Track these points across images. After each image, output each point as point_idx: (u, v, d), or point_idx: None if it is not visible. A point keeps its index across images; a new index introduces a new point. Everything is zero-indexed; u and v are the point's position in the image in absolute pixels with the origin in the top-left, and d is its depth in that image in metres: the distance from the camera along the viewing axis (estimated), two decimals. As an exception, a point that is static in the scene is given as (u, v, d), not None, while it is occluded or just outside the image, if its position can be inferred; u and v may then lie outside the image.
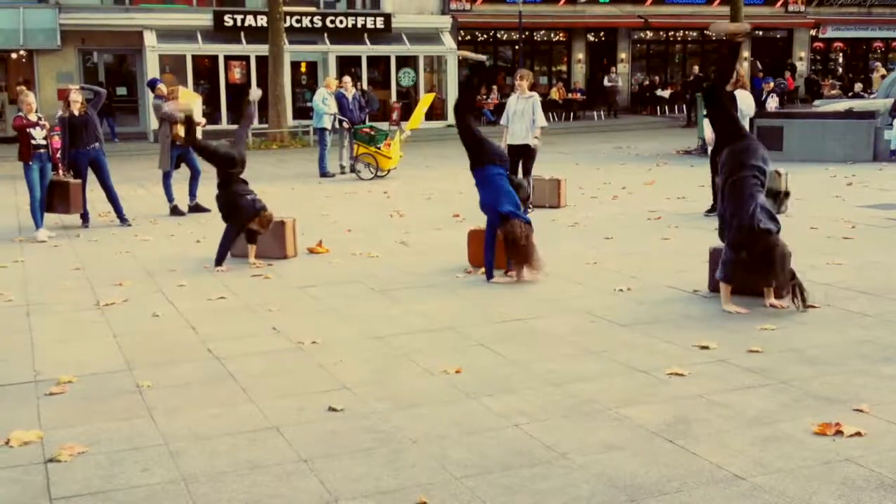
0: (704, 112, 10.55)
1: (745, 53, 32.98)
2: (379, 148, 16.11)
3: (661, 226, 10.30)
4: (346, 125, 16.97)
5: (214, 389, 5.10)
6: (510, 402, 4.74)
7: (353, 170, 16.59)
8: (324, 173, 16.89)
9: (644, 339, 5.85)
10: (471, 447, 4.17)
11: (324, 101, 17.05)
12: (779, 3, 36.23)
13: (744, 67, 27.85)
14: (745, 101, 10.53)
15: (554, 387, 4.97)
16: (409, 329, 6.24)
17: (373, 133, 16.39)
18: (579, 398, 4.78)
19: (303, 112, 27.16)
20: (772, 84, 22.31)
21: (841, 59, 39.29)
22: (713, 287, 6.98)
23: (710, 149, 10.60)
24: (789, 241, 6.45)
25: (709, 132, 10.66)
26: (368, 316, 6.66)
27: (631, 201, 12.47)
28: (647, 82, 34.76)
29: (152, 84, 13.55)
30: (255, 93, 10.44)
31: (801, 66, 37.27)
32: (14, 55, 27.58)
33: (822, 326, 6.04)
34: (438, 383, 5.08)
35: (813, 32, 37.76)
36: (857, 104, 19.48)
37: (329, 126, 17.09)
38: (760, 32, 36.82)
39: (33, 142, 10.66)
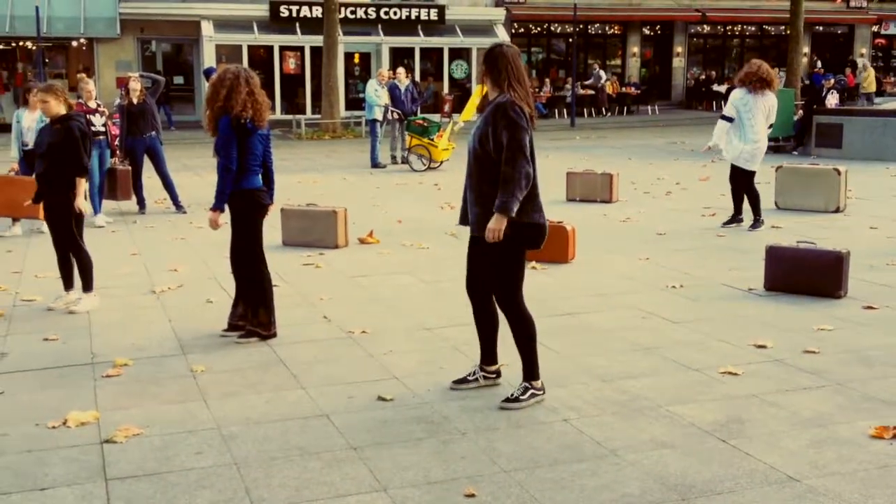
0: (725, 112, 9.52)
1: (805, 49, 32.34)
2: (432, 139, 16.13)
3: (715, 222, 10.16)
4: (397, 116, 17.02)
5: (266, 375, 5.15)
6: (560, 397, 4.72)
7: (405, 161, 16.63)
8: (375, 164, 16.95)
9: (697, 336, 5.78)
10: (520, 441, 4.15)
11: (376, 93, 17.11)
12: (840, -1, 35.51)
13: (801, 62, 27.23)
14: (767, 103, 9.32)
15: (604, 382, 4.93)
16: (459, 321, 6.23)
17: (426, 125, 16.40)
18: (630, 395, 4.74)
19: (355, 103, 27.31)
20: (832, 81, 21.81)
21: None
22: (769, 285, 6.88)
23: (724, 153, 9.69)
24: (849, 240, 6.32)
25: (715, 139, 9.65)
26: (418, 307, 6.67)
27: (685, 197, 12.31)
28: (703, 77, 34.29)
29: (207, 73, 13.72)
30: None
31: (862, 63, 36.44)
32: (75, 43, 28.09)
33: (881, 328, 5.92)
34: (488, 376, 5.07)
35: (875, 28, 36.92)
36: (920, 102, 19.01)
37: (381, 117, 17.15)
38: (821, 28, 36.14)
39: (92, 128, 10.84)
